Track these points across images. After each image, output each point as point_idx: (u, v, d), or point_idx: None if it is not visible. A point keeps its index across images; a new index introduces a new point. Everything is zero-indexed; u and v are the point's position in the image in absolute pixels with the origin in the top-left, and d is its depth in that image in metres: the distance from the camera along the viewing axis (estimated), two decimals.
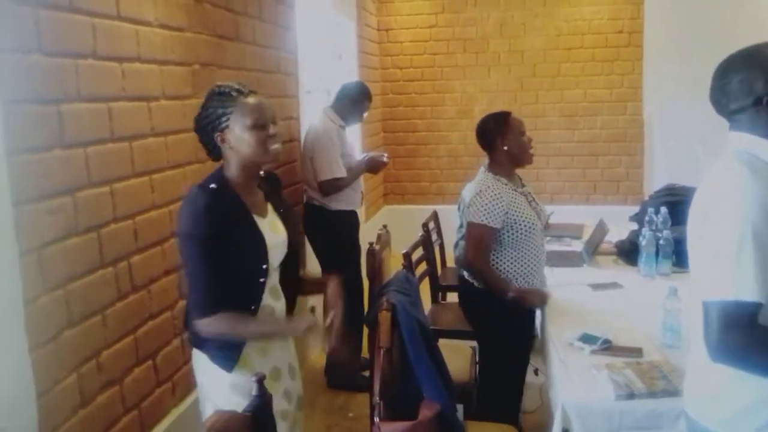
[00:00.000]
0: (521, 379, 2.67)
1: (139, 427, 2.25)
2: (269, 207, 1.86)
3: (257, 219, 1.78)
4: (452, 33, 6.16)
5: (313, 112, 3.91)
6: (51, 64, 1.82)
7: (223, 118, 1.70)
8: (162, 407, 2.39)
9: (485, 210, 2.46)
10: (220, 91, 1.73)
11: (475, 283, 2.61)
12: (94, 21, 1.99)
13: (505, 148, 2.56)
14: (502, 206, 2.47)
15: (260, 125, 1.71)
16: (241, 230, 1.72)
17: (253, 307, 1.76)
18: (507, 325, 2.54)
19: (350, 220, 3.70)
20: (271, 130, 1.73)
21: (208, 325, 1.69)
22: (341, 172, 3.52)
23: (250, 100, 1.72)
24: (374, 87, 6.00)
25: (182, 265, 1.76)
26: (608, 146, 6.04)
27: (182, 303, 2.43)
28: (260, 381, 1.45)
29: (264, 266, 1.75)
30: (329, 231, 3.62)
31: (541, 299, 2.56)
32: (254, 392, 1.43)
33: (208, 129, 1.73)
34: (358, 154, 3.82)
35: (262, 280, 1.76)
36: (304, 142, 3.66)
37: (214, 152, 1.78)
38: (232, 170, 1.76)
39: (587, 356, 2.11)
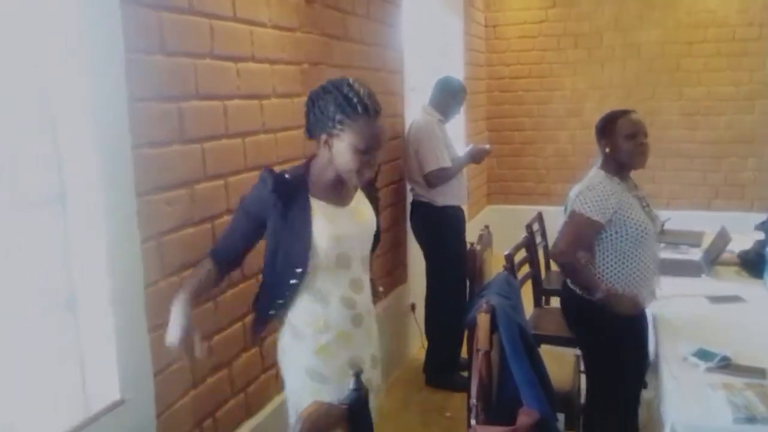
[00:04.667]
0: (635, 396, 2.50)
1: (245, 410, 2.36)
2: (358, 194, 1.84)
3: (334, 209, 1.75)
4: (563, 28, 5.96)
5: (416, 109, 3.91)
6: (172, 64, 1.94)
7: (338, 126, 1.66)
8: (267, 392, 2.48)
9: (592, 202, 2.32)
10: (346, 96, 1.65)
11: (577, 290, 2.48)
12: (211, 22, 2.10)
13: (607, 150, 2.42)
14: (612, 203, 2.33)
15: (368, 151, 1.68)
16: (288, 232, 1.72)
17: (280, 301, 1.77)
18: (614, 335, 2.40)
19: (457, 215, 3.67)
20: (374, 157, 1.71)
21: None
22: (446, 162, 3.51)
23: (372, 123, 1.67)
24: (479, 84, 5.95)
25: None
26: (733, 147, 5.62)
27: None
28: (357, 375, 1.47)
29: (299, 270, 1.72)
30: (436, 227, 3.61)
31: (633, 306, 2.34)
32: (351, 386, 1.46)
33: (318, 124, 1.71)
34: (461, 151, 3.79)
35: (293, 281, 1.73)
36: (407, 138, 3.68)
37: (312, 133, 1.75)
38: (319, 167, 1.76)
39: (702, 374, 1.97)
